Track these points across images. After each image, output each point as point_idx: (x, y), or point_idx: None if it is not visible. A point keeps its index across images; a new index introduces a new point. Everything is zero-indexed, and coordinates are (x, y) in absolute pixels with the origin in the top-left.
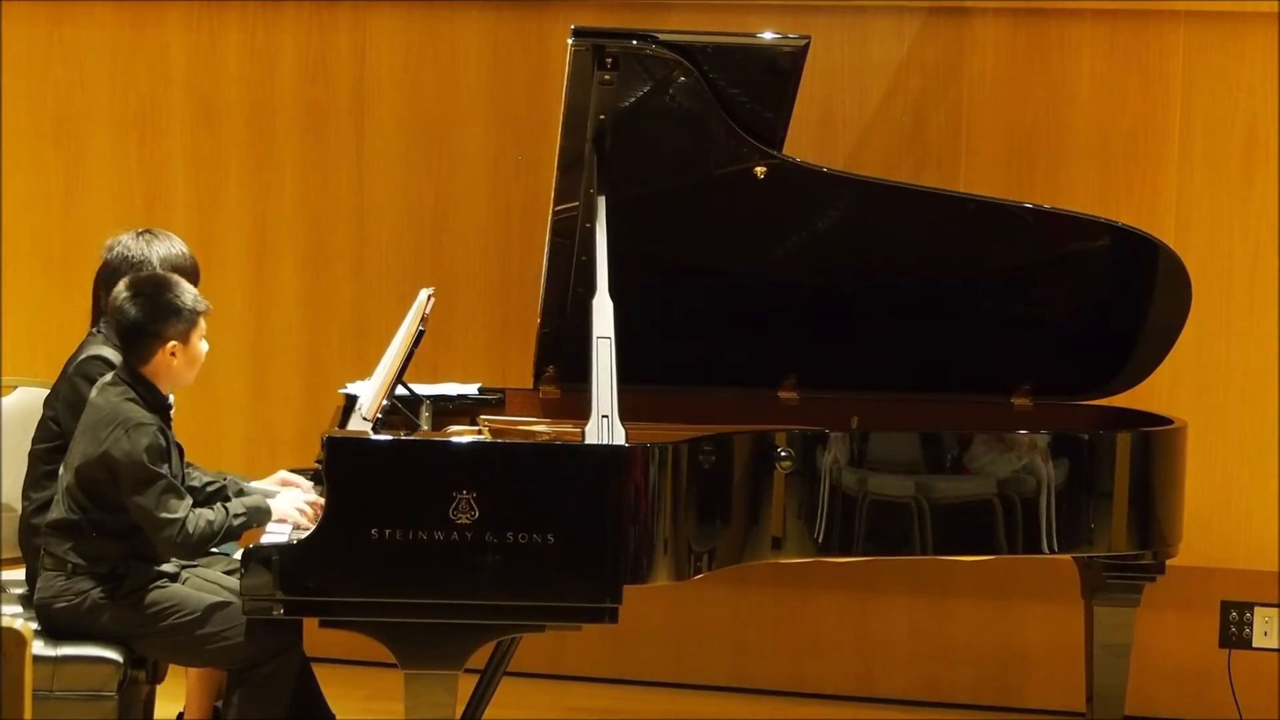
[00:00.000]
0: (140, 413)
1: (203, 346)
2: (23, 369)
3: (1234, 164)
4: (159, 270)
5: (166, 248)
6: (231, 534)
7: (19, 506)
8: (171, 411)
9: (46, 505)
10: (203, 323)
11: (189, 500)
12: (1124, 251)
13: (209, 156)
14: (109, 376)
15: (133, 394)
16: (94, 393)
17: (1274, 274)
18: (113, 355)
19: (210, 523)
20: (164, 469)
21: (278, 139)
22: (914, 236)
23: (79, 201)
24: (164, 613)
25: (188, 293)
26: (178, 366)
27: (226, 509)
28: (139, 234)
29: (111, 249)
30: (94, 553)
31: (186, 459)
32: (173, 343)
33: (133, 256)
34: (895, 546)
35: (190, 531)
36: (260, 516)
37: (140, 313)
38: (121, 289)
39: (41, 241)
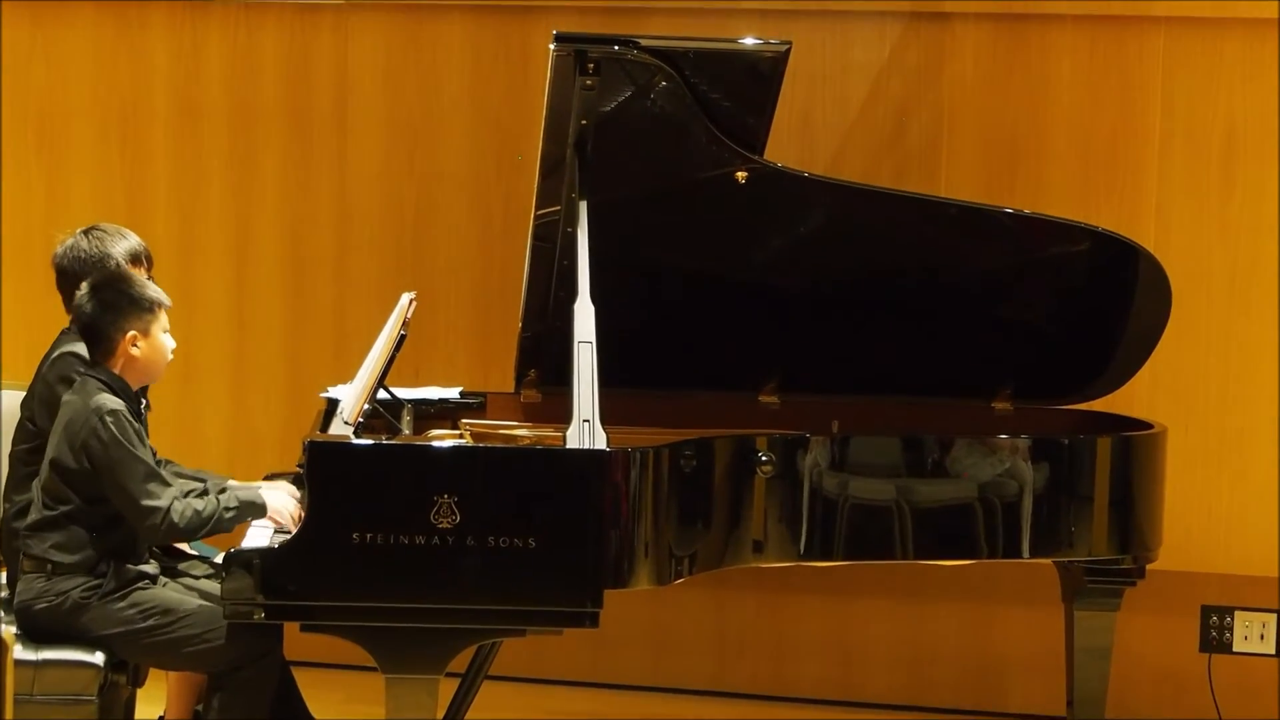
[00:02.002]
0: (111, 399)
1: (167, 340)
2: (6, 372)
3: (1214, 168)
4: (122, 266)
5: (121, 242)
6: (222, 525)
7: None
8: (144, 407)
9: (27, 508)
10: (164, 316)
11: (173, 488)
12: (1104, 256)
13: (191, 159)
14: (80, 379)
15: (101, 384)
16: (67, 394)
17: (1254, 279)
18: (85, 351)
19: (199, 512)
20: (142, 452)
21: (260, 142)
22: (895, 241)
23: (61, 203)
24: (144, 614)
25: (146, 286)
26: (142, 358)
27: (219, 500)
28: (86, 233)
29: (65, 254)
30: (75, 549)
31: (167, 459)
32: (132, 332)
33: (90, 255)
34: (876, 551)
35: (175, 520)
36: (254, 510)
37: (98, 308)
38: (83, 288)
39: (23, 243)
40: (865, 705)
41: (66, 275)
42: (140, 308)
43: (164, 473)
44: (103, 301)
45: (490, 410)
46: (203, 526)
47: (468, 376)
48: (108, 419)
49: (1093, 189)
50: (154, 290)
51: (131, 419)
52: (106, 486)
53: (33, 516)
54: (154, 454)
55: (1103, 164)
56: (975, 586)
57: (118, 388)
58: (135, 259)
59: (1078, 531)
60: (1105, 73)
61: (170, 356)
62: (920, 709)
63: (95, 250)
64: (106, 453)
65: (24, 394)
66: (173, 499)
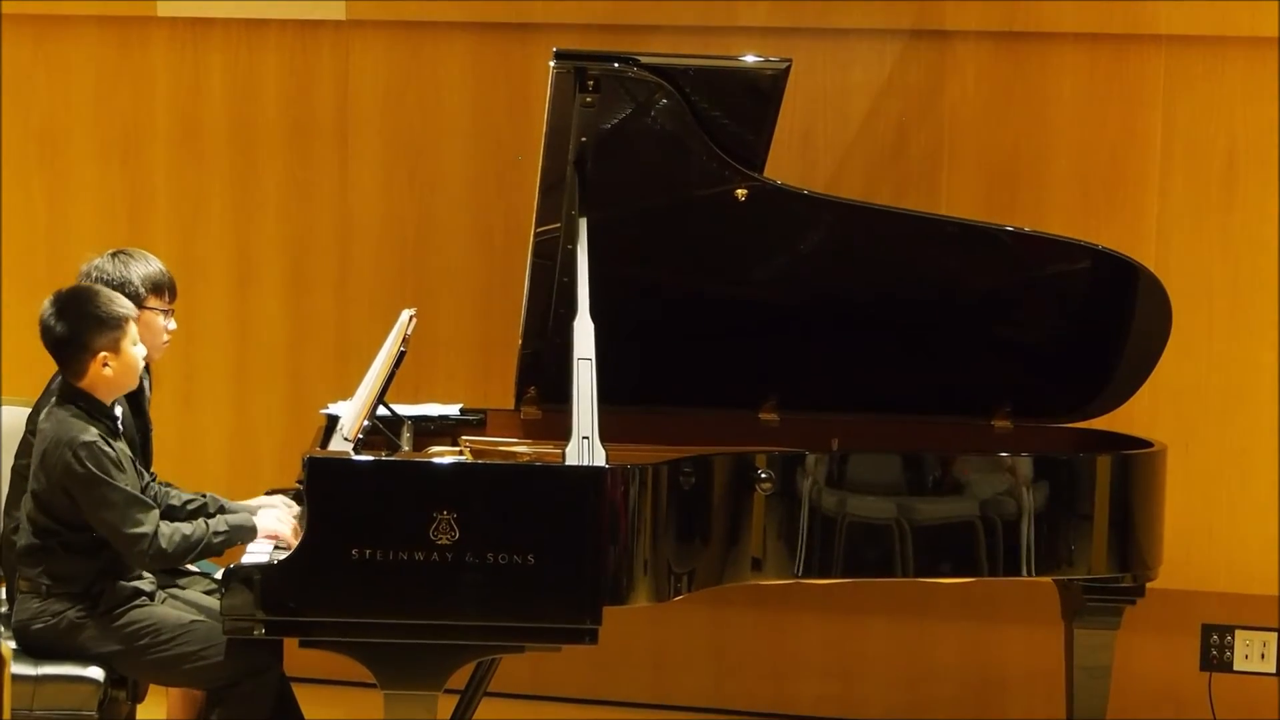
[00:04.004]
0: (83, 427)
1: (137, 351)
2: (7, 388)
3: (1214, 187)
4: (141, 292)
5: (144, 267)
6: (211, 549)
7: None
8: (119, 423)
9: None
10: (132, 328)
11: (155, 511)
12: (1104, 274)
13: (192, 176)
14: (53, 400)
15: (75, 410)
16: (41, 418)
17: (1255, 297)
18: None
19: (187, 536)
20: (120, 480)
21: (261, 159)
22: (895, 259)
23: (63, 221)
24: (142, 632)
25: (112, 301)
26: (113, 376)
27: (208, 524)
28: (113, 255)
29: (88, 274)
30: (66, 574)
31: (166, 480)
32: (103, 353)
33: (111, 278)
34: (875, 568)
35: (163, 545)
36: (244, 534)
37: (65, 328)
38: (46, 306)
39: (26, 260)
40: None
41: None
42: (108, 326)
43: (152, 492)
44: (69, 323)
45: (490, 427)
46: (191, 551)
47: (468, 393)
48: (80, 453)
49: (1093, 207)
50: (120, 304)
51: (107, 444)
52: (89, 517)
53: (23, 541)
54: (153, 477)
55: (1103, 182)
56: (975, 604)
57: (92, 411)
58: (157, 288)
59: (1077, 550)
60: (1106, 91)
61: (159, 352)
62: None
63: (118, 274)
64: (83, 486)
65: (29, 410)
66: (157, 524)
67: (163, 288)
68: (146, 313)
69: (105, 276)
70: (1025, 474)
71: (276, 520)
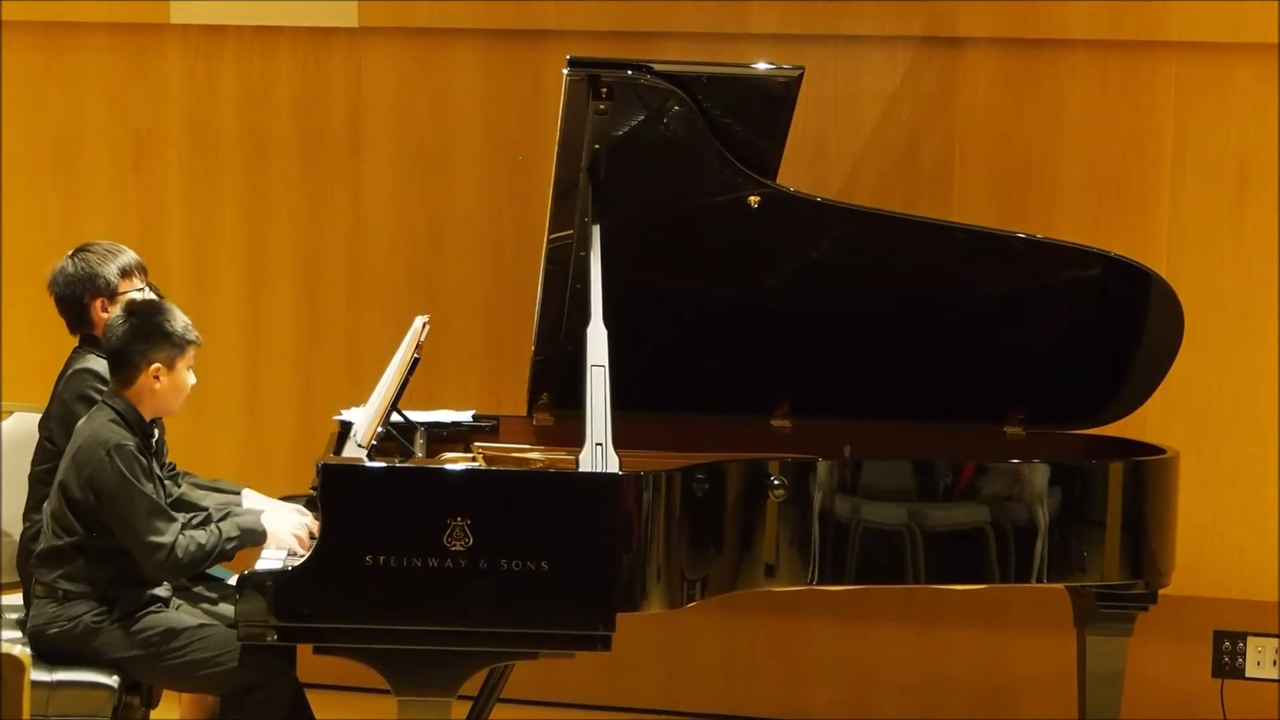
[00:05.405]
0: (121, 433)
1: (189, 378)
2: (19, 394)
3: (1226, 194)
4: (112, 284)
5: (109, 260)
6: (224, 555)
7: (16, 531)
8: (154, 440)
9: None
10: (191, 353)
11: (177, 523)
12: (1116, 281)
13: (205, 182)
14: (97, 404)
15: (114, 415)
16: (82, 421)
17: (1266, 304)
18: (99, 366)
19: (201, 545)
20: (148, 488)
21: (273, 166)
22: (906, 265)
23: (76, 227)
24: (156, 638)
25: (178, 321)
26: (161, 392)
27: (220, 529)
28: (73, 255)
29: (55, 280)
30: (83, 578)
31: (185, 471)
32: (156, 365)
33: (77, 277)
34: (888, 575)
35: (180, 556)
36: (254, 537)
37: (128, 333)
38: (116, 311)
39: (38, 266)
40: None
41: (60, 300)
42: (170, 342)
43: (182, 486)
44: (134, 329)
45: (503, 433)
46: (205, 559)
47: (480, 399)
48: (114, 454)
49: (1105, 214)
50: (186, 326)
51: (140, 453)
52: (111, 521)
53: (43, 543)
54: (172, 467)
55: (1115, 189)
56: (987, 610)
57: (130, 419)
58: (125, 273)
59: (1090, 556)
60: (1117, 98)
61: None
62: None
63: (81, 272)
64: (111, 489)
65: (40, 415)
66: (177, 535)
67: (131, 270)
68: (123, 298)
69: (70, 277)
70: (1037, 480)
71: (286, 526)
